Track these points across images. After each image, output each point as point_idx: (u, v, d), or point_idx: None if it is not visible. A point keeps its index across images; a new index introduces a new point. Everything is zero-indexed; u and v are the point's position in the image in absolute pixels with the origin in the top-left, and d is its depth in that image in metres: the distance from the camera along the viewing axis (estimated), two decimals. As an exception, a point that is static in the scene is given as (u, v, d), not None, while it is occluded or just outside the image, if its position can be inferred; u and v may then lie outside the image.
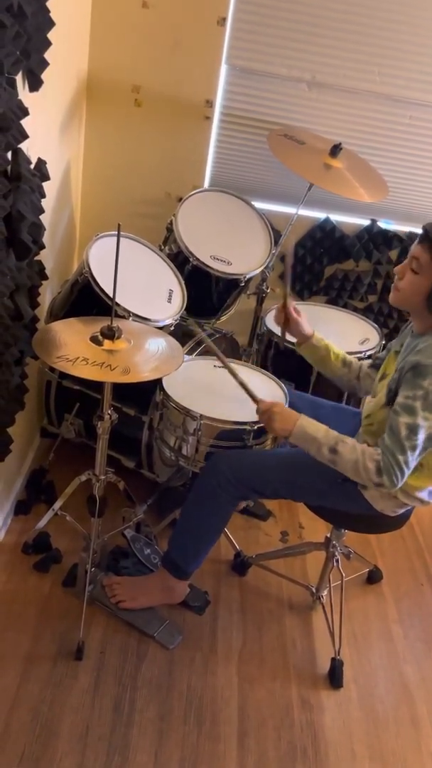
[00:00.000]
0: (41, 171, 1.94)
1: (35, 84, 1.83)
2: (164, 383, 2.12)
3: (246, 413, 2.02)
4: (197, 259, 2.40)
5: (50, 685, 1.90)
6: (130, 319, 2.07)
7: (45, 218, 1.99)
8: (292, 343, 2.23)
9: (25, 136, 1.68)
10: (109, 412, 1.89)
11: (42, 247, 1.98)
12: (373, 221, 3.01)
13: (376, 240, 3.03)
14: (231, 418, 2.04)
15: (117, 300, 1.74)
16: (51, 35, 1.81)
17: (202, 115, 2.77)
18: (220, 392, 2.16)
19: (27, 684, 1.89)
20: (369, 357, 2.32)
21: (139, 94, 2.74)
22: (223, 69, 2.70)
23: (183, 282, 2.37)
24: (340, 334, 2.52)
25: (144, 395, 2.27)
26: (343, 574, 2.22)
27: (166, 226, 2.54)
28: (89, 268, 2.11)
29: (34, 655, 1.96)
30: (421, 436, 1.69)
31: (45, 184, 1.94)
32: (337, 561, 2.20)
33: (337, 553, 2.19)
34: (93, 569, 2.09)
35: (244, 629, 2.20)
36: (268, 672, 2.08)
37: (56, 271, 2.56)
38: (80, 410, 2.43)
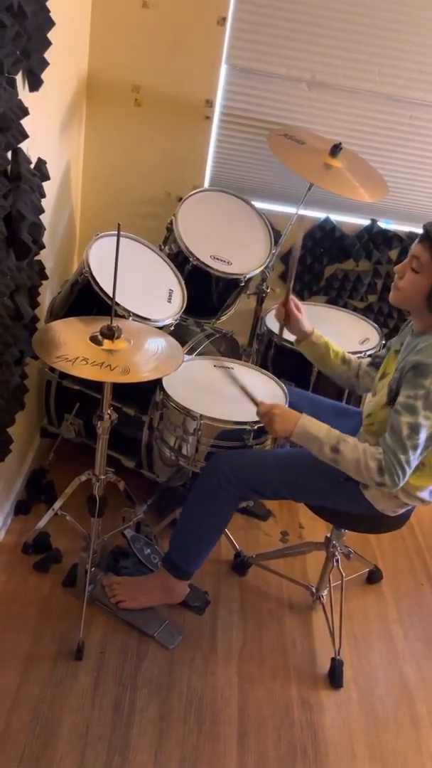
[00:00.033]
0: (41, 171, 1.94)
1: (35, 84, 1.83)
2: (164, 383, 2.12)
3: (246, 413, 2.02)
4: (197, 259, 2.40)
5: (50, 685, 1.90)
6: (130, 318, 2.07)
7: (45, 218, 1.99)
8: (291, 342, 2.23)
9: (25, 136, 1.68)
10: (109, 412, 1.88)
11: (42, 246, 1.98)
12: (373, 221, 3.01)
13: (376, 240, 3.03)
14: (231, 417, 2.04)
15: (117, 300, 1.74)
16: (51, 35, 1.81)
17: (202, 115, 2.77)
18: (220, 392, 2.16)
19: (27, 684, 1.89)
20: (369, 357, 2.32)
21: (139, 94, 2.74)
22: (223, 69, 2.70)
23: (183, 282, 2.37)
24: (340, 334, 2.52)
25: (144, 395, 2.27)
26: (343, 574, 2.22)
27: (166, 226, 2.54)
28: (89, 268, 2.11)
29: (34, 655, 1.96)
30: (423, 436, 1.69)
31: (45, 184, 1.94)
32: (337, 561, 2.20)
33: (337, 553, 2.19)
34: (93, 569, 2.09)
35: (244, 629, 2.20)
36: (268, 672, 2.08)
37: (56, 270, 2.56)
38: (80, 410, 2.42)
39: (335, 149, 2.49)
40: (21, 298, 1.89)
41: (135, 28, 2.62)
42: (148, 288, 2.28)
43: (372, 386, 2.08)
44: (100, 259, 2.14)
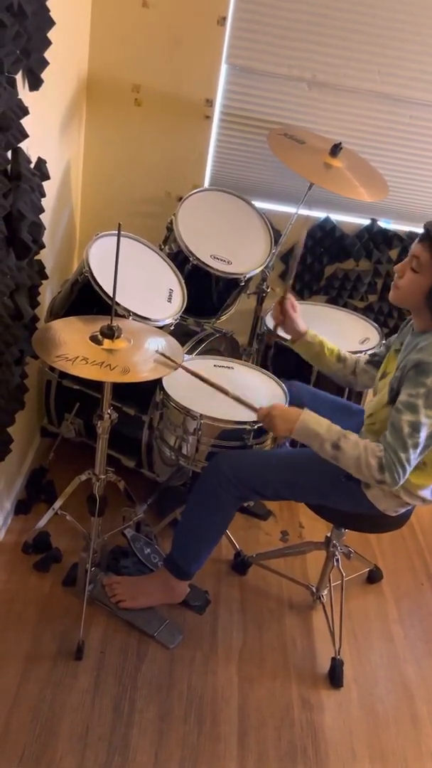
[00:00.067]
0: (41, 170, 1.94)
1: (35, 83, 1.83)
2: (164, 383, 2.12)
3: (246, 413, 2.02)
4: (197, 259, 2.40)
5: (50, 684, 1.90)
6: (130, 318, 2.07)
7: (45, 217, 1.99)
8: (285, 340, 2.24)
9: (25, 135, 1.67)
10: (109, 411, 1.88)
11: (42, 246, 1.98)
12: (374, 220, 3.01)
13: (376, 239, 3.03)
14: (231, 417, 2.04)
15: (117, 299, 1.74)
16: (51, 34, 1.81)
17: (202, 115, 2.77)
18: (220, 392, 2.16)
19: (27, 684, 1.89)
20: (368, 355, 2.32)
21: (139, 94, 2.74)
22: (223, 68, 2.70)
23: (183, 281, 2.37)
24: (340, 333, 2.52)
25: (144, 395, 2.27)
26: (344, 574, 2.22)
27: (166, 226, 2.54)
28: (89, 268, 2.11)
29: (34, 655, 1.96)
30: (424, 434, 1.69)
31: (45, 184, 1.94)
32: (338, 560, 2.20)
33: (337, 553, 2.19)
34: (93, 569, 2.09)
35: (244, 629, 2.20)
36: (268, 671, 2.08)
37: (56, 270, 2.55)
38: (80, 410, 2.42)
39: (335, 149, 2.48)
40: (21, 297, 1.89)
41: (135, 27, 2.61)
42: (148, 287, 2.28)
43: (370, 383, 2.09)
44: (100, 259, 2.14)
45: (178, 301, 2.30)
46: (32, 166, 1.86)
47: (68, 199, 2.72)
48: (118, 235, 1.64)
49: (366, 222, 3.02)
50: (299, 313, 2.16)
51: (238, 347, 2.74)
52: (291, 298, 2.16)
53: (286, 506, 2.73)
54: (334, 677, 2.08)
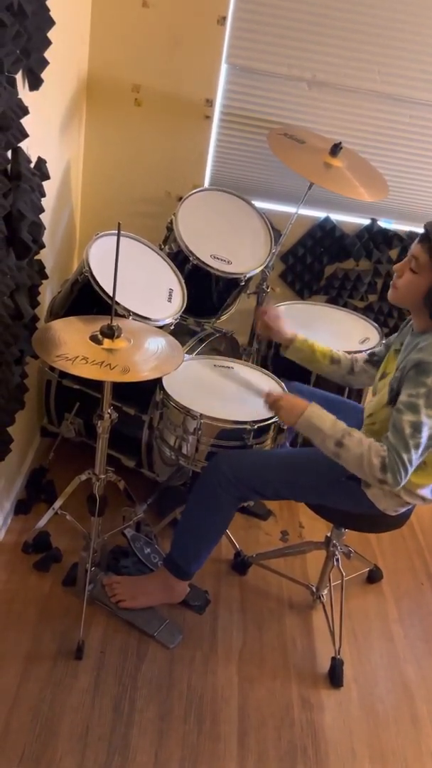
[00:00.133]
0: (41, 170, 1.94)
1: (35, 83, 1.83)
2: (164, 382, 2.12)
3: (246, 413, 2.02)
4: (197, 258, 2.40)
5: (50, 684, 1.90)
6: (130, 318, 2.07)
7: (45, 217, 1.99)
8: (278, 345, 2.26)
9: (25, 135, 1.67)
10: (109, 411, 1.88)
11: (42, 246, 1.98)
12: (374, 220, 3.01)
13: (376, 239, 3.03)
14: (231, 417, 2.04)
15: (117, 299, 1.74)
16: (51, 34, 1.81)
17: (202, 114, 2.77)
18: (221, 391, 2.16)
19: (27, 683, 1.89)
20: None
21: (139, 94, 2.74)
22: (223, 68, 2.70)
23: (183, 281, 2.37)
24: (340, 333, 2.52)
25: (144, 394, 2.27)
26: (344, 574, 2.22)
27: (166, 226, 2.54)
28: (89, 267, 2.11)
29: (34, 655, 1.96)
30: (425, 434, 1.69)
31: (45, 183, 1.94)
32: (338, 560, 2.20)
33: (337, 553, 2.19)
34: (93, 568, 2.09)
35: (244, 628, 2.20)
36: (268, 671, 2.08)
37: (56, 270, 2.55)
38: (80, 409, 2.42)
39: (335, 148, 2.48)
40: (21, 297, 1.89)
41: (135, 27, 2.61)
42: (148, 287, 2.28)
43: (369, 382, 2.09)
44: (100, 259, 2.14)
45: (178, 300, 2.30)
46: (32, 165, 1.86)
47: (68, 198, 2.72)
48: (118, 235, 1.64)
49: (366, 222, 3.02)
50: (284, 321, 2.18)
51: (238, 347, 2.74)
52: (270, 310, 2.22)
53: (286, 506, 2.73)
54: (334, 677, 2.08)
